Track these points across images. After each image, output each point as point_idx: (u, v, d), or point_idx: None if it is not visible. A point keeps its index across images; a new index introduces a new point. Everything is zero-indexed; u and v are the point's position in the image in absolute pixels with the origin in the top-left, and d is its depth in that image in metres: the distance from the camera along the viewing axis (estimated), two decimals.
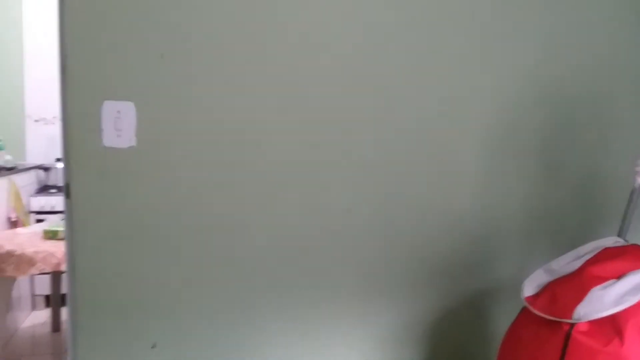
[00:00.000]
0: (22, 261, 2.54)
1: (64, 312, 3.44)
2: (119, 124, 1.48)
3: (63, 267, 2.52)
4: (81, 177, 1.47)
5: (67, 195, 1.49)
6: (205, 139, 1.55)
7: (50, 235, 2.82)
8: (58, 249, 2.60)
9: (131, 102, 1.48)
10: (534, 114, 1.84)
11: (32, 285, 3.64)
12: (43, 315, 3.61)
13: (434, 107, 1.74)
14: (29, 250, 2.57)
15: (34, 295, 3.69)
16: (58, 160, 3.92)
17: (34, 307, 3.70)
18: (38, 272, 2.55)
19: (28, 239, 2.79)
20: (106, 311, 1.51)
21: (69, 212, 1.50)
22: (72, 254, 1.50)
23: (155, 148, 1.51)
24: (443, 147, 1.77)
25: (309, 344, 1.73)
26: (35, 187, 3.84)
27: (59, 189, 3.81)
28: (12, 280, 2.76)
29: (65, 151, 1.49)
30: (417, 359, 1.87)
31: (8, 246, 2.61)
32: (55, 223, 3.04)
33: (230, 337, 1.65)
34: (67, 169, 1.49)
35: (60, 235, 2.81)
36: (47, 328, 3.40)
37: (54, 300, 3.32)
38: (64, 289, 3.38)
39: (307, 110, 1.62)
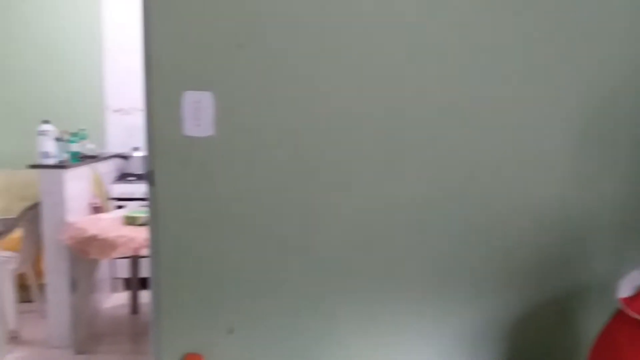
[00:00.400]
0: (105, 245, 2.68)
1: (142, 295, 3.62)
2: (198, 113, 1.52)
3: (142, 252, 2.65)
4: (164, 165, 1.53)
5: (151, 183, 1.55)
6: (282, 128, 1.56)
7: (130, 221, 2.96)
8: (138, 234, 2.73)
9: (210, 91, 1.52)
10: (629, 102, 1.72)
11: (112, 268, 3.86)
12: (122, 298, 3.82)
13: (516, 95, 1.65)
14: (111, 234, 2.71)
15: (113, 278, 3.91)
16: (136, 149, 4.11)
17: (114, 289, 3.92)
18: (119, 256, 2.69)
19: (110, 224, 2.95)
20: (187, 296, 1.57)
21: (152, 199, 1.56)
22: (155, 239, 1.56)
23: (233, 137, 1.54)
24: (526, 137, 1.68)
25: (383, 338, 1.72)
26: (115, 174, 4.05)
27: (137, 176, 4.00)
28: (96, 263, 2.93)
29: (148, 140, 1.55)
30: None
31: (92, 230, 2.77)
32: (135, 209, 3.19)
33: (306, 325, 1.66)
34: (150, 157, 1.55)
35: (140, 221, 2.95)
36: (126, 310, 3.59)
37: (133, 284, 3.50)
38: (143, 272, 3.56)
39: (386, 98, 1.59)
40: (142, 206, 3.38)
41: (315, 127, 1.58)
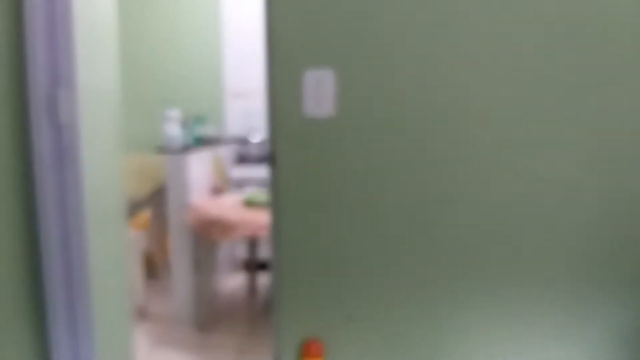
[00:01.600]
0: (226, 227, 2.81)
1: (260, 277, 3.76)
2: (319, 93, 1.50)
3: (261, 234, 2.74)
4: (285, 147, 1.53)
5: (272, 165, 1.57)
6: (405, 107, 1.49)
7: (250, 203, 3.07)
8: (257, 216, 2.82)
9: (330, 70, 1.49)
10: None
11: (231, 250, 4.06)
12: (240, 279, 4.01)
13: None
14: (231, 216, 2.83)
15: (232, 260, 4.11)
16: (254, 133, 4.26)
17: (232, 270, 4.12)
18: (239, 238, 2.80)
19: (230, 206, 3.09)
20: (307, 279, 1.57)
21: (274, 181, 1.57)
22: (276, 221, 1.58)
23: (354, 116, 1.50)
24: None
25: (512, 330, 1.59)
26: (233, 158, 4.23)
27: (255, 160, 4.15)
28: (217, 244, 3.08)
29: (270, 121, 1.56)
30: None
31: (213, 212, 2.92)
32: (254, 192, 3.30)
33: (428, 314, 1.59)
34: (272, 139, 1.56)
35: (259, 203, 3.04)
36: (244, 291, 3.76)
37: (251, 266, 3.65)
38: (261, 254, 3.70)
39: (522, 76, 1.46)
40: (261, 189, 3.49)
41: (442, 106, 1.48)
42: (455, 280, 1.58)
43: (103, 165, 1.92)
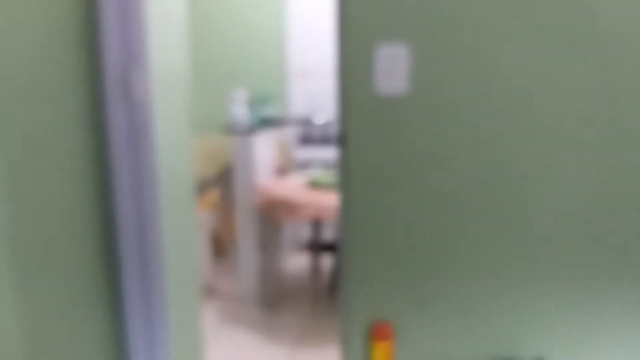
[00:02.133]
0: (291, 207, 2.80)
1: (323, 259, 3.75)
2: (392, 69, 1.42)
3: (326, 215, 2.71)
4: (356, 125, 1.47)
5: (342, 145, 1.51)
6: (481, 86, 1.39)
7: (315, 184, 3.04)
8: (322, 197, 2.79)
9: (404, 45, 1.41)
10: None
11: (295, 231, 4.06)
12: (303, 260, 4.01)
13: None
14: (296, 197, 2.82)
15: (295, 240, 4.12)
16: (317, 113, 4.22)
17: (295, 250, 4.14)
18: (304, 219, 2.79)
19: (295, 187, 3.07)
20: (378, 261, 1.52)
21: (343, 161, 1.52)
22: (346, 202, 1.53)
23: (429, 94, 1.42)
24: None
25: (595, 324, 1.48)
26: (297, 139, 4.22)
27: (319, 141, 4.12)
28: (282, 224, 3.09)
29: (340, 100, 1.50)
30: None
31: (280, 193, 2.91)
32: (318, 173, 3.28)
33: (502, 300, 1.50)
34: (342, 118, 1.50)
35: (324, 184, 3.01)
36: (307, 272, 3.76)
37: (315, 247, 3.64)
38: (325, 236, 3.68)
39: (604, 54, 1.32)
40: (326, 170, 3.46)
41: (521, 85, 1.37)
42: (530, 264, 1.48)
43: (174, 145, 1.93)
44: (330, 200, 2.75)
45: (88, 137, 1.57)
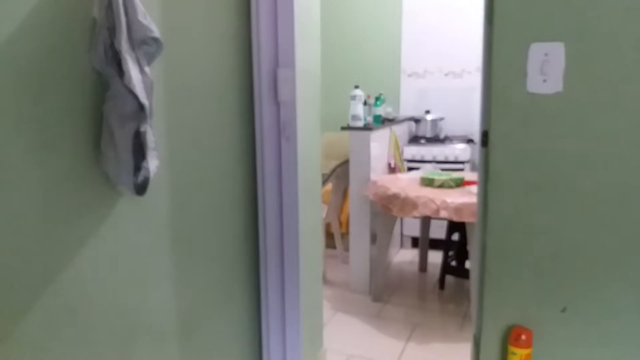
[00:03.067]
0: (406, 204, 2.79)
1: (430, 255, 3.71)
2: (546, 67, 1.37)
3: (441, 214, 2.67)
4: (501, 125, 1.44)
5: (484, 144, 1.48)
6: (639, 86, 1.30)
7: (428, 182, 3.01)
8: (436, 195, 2.76)
9: (561, 42, 1.35)
10: None
11: (401, 226, 4.05)
12: (409, 254, 3.99)
13: None
14: (411, 194, 2.80)
15: (402, 235, 4.10)
16: (427, 112, 4.17)
17: (401, 245, 4.12)
18: (419, 215, 2.77)
19: (408, 184, 3.06)
20: (517, 266, 1.47)
21: (484, 161, 1.49)
22: (484, 202, 1.50)
23: (584, 93, 1.35)
24: None
25: None
26: (407, 137, 4.19)
27: (427, 139, 4.06)
28: (393, 220, 3.09)
29: (485, 98, 1.47)
30: None
31: (393, 189, 2.91)
32: (431, 171, 3.24)
33: None
34: (486, 116, 1.47)
35: (437, 183, 2.97)
36: (415, 267, 3.73)
37: (423, 243, 3.60)
38: (433, 233, 3.64)
39: None
40: (435, 168, 3.41)
41: None
42: None
43: (309, 141, 2.00)
44: (443, 198, 2.71)
45: (240, 130, 1.67)
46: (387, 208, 2.90)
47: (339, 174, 3.46)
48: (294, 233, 1.78)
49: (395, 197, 2.86)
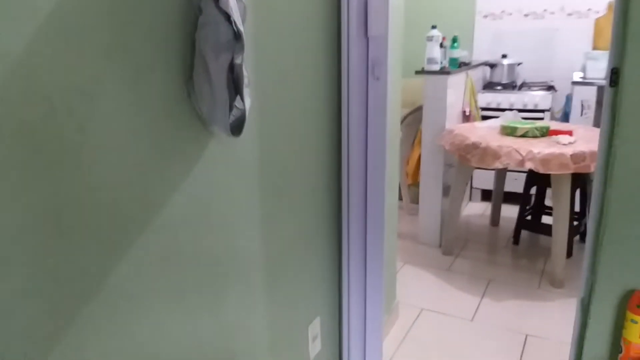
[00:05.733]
0: (487, 154, 2.58)
1: (503, 209, 3.51)
2: None
3: (527, 165, 2.46)
4: (637, 59, 1.22)
5: (612, 83, 1.27)
6: None
7: (509, 131, 2.78)
8: (520, 145, 2.54)
9: None
10: None
11: (471, 178, 3.84)
12: (479, 208, 3.79)
13: None
14: (492, 143, 2.59)
15: (472, 188, 3.89)
16: (504, 56, 3.85)
17: (470, 199, 3.92)
18: (501, 167, 2.56)
19: (487, 133, 2.84)
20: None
21: (611, 103, 1.28)
22: (608, 150, 1.30)
23: None
24: None
25: None
26: (480, 83, 3.90)
27: (503, 86, 3.77)
28: (468, 171, 2.89)
29: (618, 28, 1.25)
30: None
31: (472, 138, 2.70)
32: (512, 119, 2.99)
33: None
34: (617, 50, 1.25)
35: (519, 132, 2.74)
36: (486, 220, 3.54)
37: (496, 196, 3.40)
38: (507, 186, 3.42)
39: None
40: (518, 116, 3.15)
41: None
42: None
43: (395, 82, 1.82)
44: (529, 148, 2.49)
45: (326, 69, 1.51)
46: (464, 158, 2.71)
47: (410, 122, 3.26)
48: (380, 182, 1.64)
49: (474, 146, 2.66)
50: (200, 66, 0.95)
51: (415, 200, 3.67)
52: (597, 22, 3.69)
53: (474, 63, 3.75)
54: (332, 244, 1.68)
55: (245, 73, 1.00)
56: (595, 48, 3.71)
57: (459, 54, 3.24)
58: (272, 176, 1.31)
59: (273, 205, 1.33)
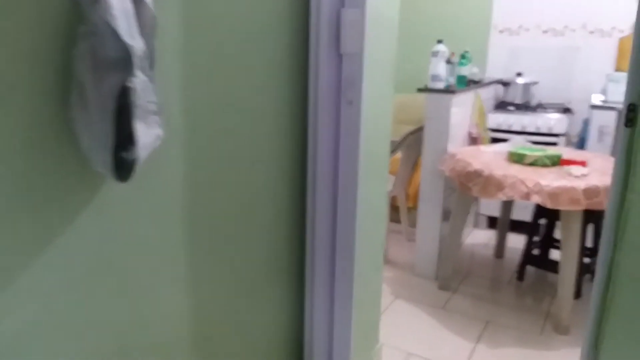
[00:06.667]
0: (489, 183, 2.33)
1: (509, 239, 3.23)
2: None
3: (534, 199, 2.19)
4: None
5: (629, 123, 1.02)
6: None
7: (517, 158, 2.51)
8: (527, 175, 2.27)
9: None
10: None
11: (477, 204, 3.57)
12: (484, 236, 3.52)
13: None
14: (496, 172, 2.33)
15: (477, 214, 3.62)
16: (519, 75, 3.58)
17: (475, 225, 3.65)
18: (505, 199, 2.30)
19: (493, 159, 2.57)
20: None
21: (626, 145, 1.03)
22: (618, 205, 1.05)
23: None
24: None
25: None
26: (492, 102, 3.64)
27: (516, 106, 3.50)
28: (471, 199, 2.64)
29: (636, 61, 1.00)
30: None
31: (475, 165, 2.44)
32: (521, 145, 2.72)
33: None
34: (634, 85, 1.00)
35: (528, 160, 2.47)
36: (490, 251, 3.27)
37: (502, 225, 3.12)
38: (514, 215, 3.15)
39: None
40: (526, 141, 2.88)
41: None
42: None
43: (379, 105, 1.59)
44: (537, 179, 2.23)
45: (290, 89, 1.29)
46: (465, 187, 2.45)
47: (411, 143, 3.01)
48: (350, 217, 1.40)
49: (476, 174, 2.40)
50: (76, 89, 0.73)
51: (414, 224, 3.41)
52: (622, 42, 3.40)
53: (486, 80, 3.49)
54: (293, 286, 1.45)
55: (150, 97, 0.78)
56: (618, 69, 3.42)
57: (468, 71, 2.98)
58: (206, 219, 1.08)
59: (207, 261, 1.10)
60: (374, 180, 1.69)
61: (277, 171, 1.27)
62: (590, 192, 2.15)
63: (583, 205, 2.16)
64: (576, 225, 2.31)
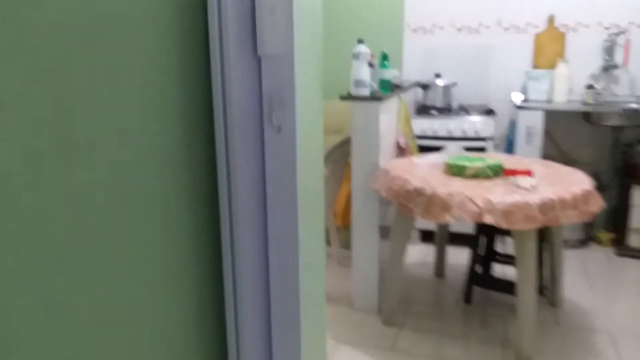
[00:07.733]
0: (433, 204, 1.99)
1: (449, 253, 2.94)
2: None
3: (486, 219, 1.88)
4: None
5: None
6: None
7: (456, 171, 2.21)
8: (474, 192, 1.96)
9: None
10: None
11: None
12: (418, 252, 3.21)
13: None
14: (439, 190, 2.00)
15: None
16: (437, 76, 3.33)
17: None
18: (453, 221, 1.97)
19: (430, 173, 2.25)
20: None
21: None
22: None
23: None
24: None
25: None
26: (412, 107, 3.36)
27: (439, 110, 3.25)
28: (413, 220, 2.30)
29: None
30: None
31: (413, 182, 2.10)
32: (457, 154, 2.43)
33: None
34: None
35: (469, 172, 2.17)
36: (429, 270, 2.95)
37: (440, 241, 2.83)
38: (453, 227, 2.88)
39: None
40: (461, 151, 2.61)
41: None
42: None
43: (310, 121, 1.17)
44: (487, 195, 1.93)
45: (186, 110, 0.82)
46: (406, 208, 2.10)
47: (337, 158, 2.63)
48: (294, 249, 0.96)
49: (417, 193, 2.06)
50: None
51: (346, 245, 3.04)
52: (538, 37, 3.26)
53: (405, 84, 3.20)
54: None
55: None
56: (536, 67, 3.29)
57: (390, 74, 2.65)
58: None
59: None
60: (310, 200, 1.26)
61: (170, 234, 0.80)
62: (545, 207, 1.89)
63: (539, 222, 1.89)
64: (531, 245, 2.04)
